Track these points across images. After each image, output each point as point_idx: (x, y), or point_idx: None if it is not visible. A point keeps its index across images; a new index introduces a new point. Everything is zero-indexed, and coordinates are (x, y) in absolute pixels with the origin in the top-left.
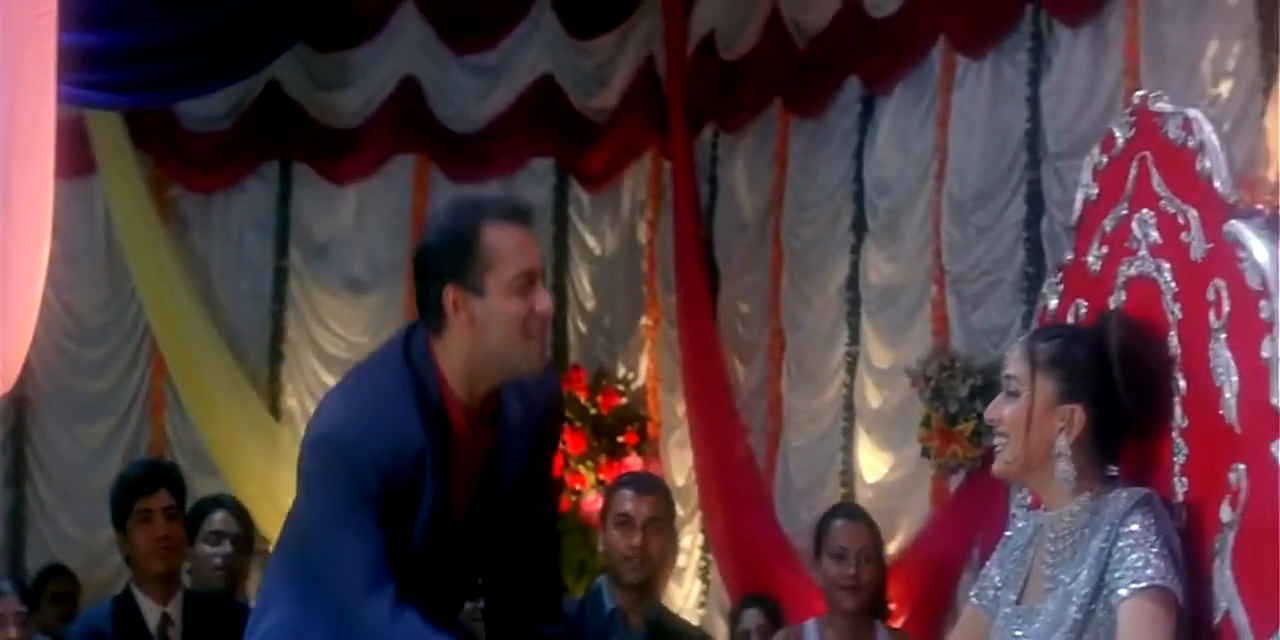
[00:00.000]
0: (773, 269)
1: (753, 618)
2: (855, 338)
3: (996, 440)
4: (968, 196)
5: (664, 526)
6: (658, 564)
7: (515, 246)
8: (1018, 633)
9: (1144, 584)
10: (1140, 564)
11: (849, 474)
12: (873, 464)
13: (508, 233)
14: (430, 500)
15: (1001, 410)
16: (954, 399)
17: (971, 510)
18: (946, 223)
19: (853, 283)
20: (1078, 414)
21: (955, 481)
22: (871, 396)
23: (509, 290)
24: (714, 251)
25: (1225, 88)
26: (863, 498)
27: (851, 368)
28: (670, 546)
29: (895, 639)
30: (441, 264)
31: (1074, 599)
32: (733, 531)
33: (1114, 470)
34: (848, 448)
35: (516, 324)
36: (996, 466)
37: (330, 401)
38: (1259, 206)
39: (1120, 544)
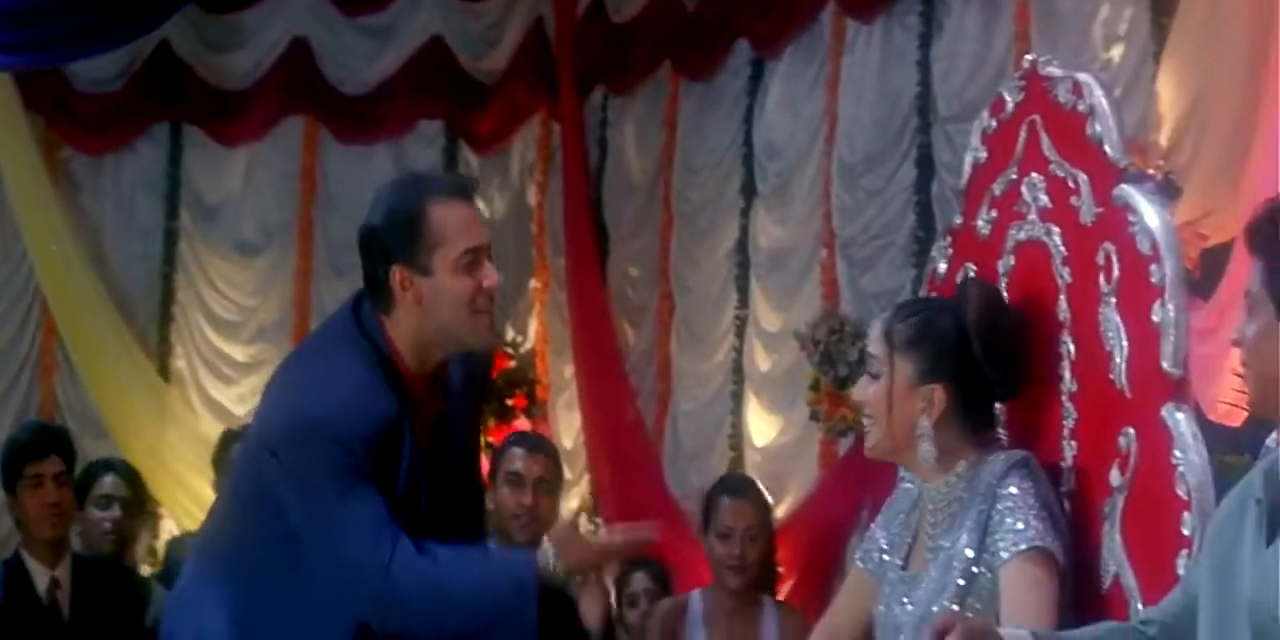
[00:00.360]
0: (662, 232)
1: (641, 581)
2: (744, 301)
3: (865, 421)
4: (858, 160)
5: (552, 487)
6: (545, 523)
7: (461, 224)
8: (904, 599)
9: (1024, 546)
10: (1020, 527)
11: (738, 437)
12: (761, 427)
13: (453, 210)
14: (408, 464)
15: (866, 392)
16: (843, 363)
17: (860, 474)
18: (836, 186)
19: (742, 246)
20: (938, 394)
21: (844, 445)
22: (760, 360)
23: (456, 268)
24: (603, 215)
25: (1116, 52)
26: (751, 461)
27: (741, 331)
28: (556, 507)
29: (782, 613)
30: (388, 244)
31: (955, 563)
32: (621, 494)
33: (1002, 434)
34: (736, 411)
35: (464, 301)
36: (866, 448)
37: (284, 385)
38: (1150, 171)
39: (999, 506)
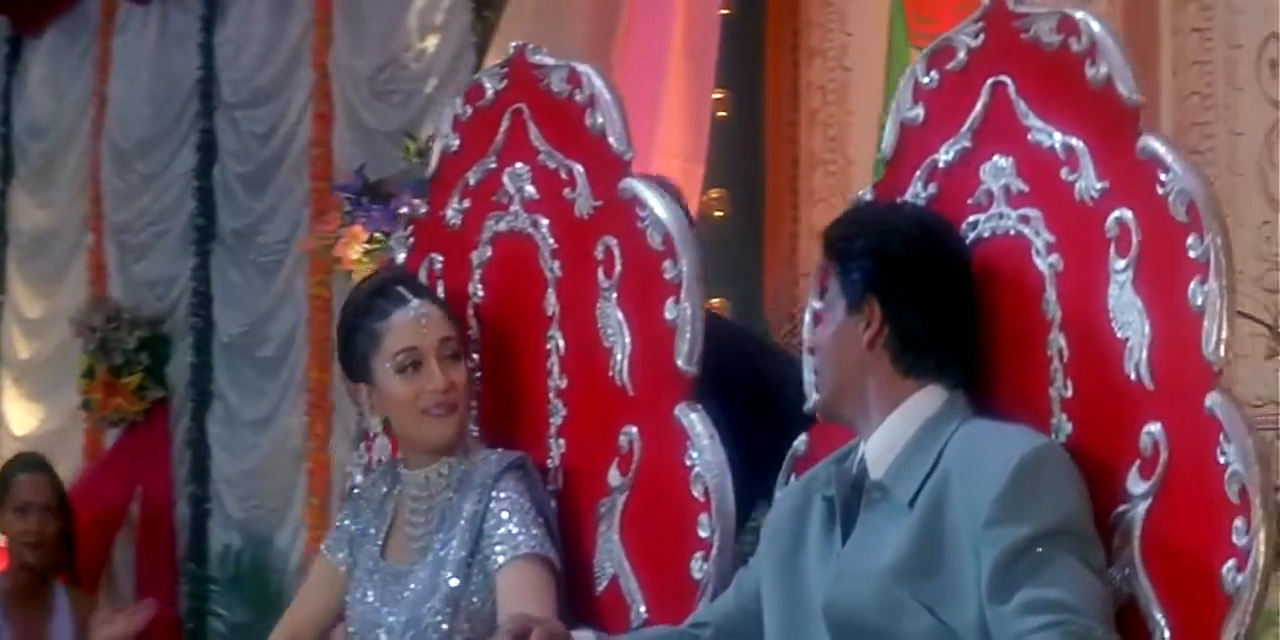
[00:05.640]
0: None
1: None
2: (2, 286)
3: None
4: (131, 143)
5: None
6: None
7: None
8: (384, 594)
9: (523, 551)
10: (516, 532)
11: None
12: (20, 416)
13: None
14: None
15: None
16: (120, 351)
17: (129, 465)
18: (106, 170)
19: (1, 229)
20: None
21: (112, 435)
22: (20, 347)
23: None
24: None
25: (432, 42)
26: (11, 450)
27: None
28: None
29: (72, 595)
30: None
31: (449, 566)
32: None
33: (474, 430)
34: None
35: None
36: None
37: None
38: None
39: (493, 508)
